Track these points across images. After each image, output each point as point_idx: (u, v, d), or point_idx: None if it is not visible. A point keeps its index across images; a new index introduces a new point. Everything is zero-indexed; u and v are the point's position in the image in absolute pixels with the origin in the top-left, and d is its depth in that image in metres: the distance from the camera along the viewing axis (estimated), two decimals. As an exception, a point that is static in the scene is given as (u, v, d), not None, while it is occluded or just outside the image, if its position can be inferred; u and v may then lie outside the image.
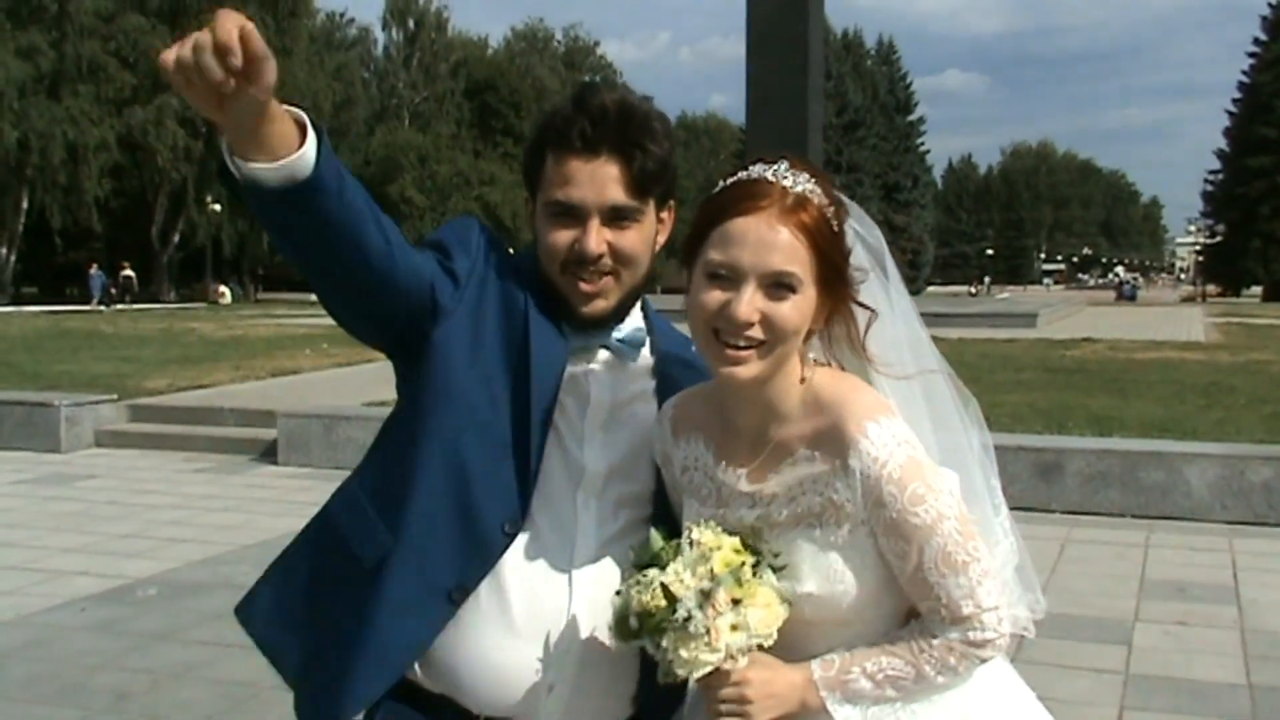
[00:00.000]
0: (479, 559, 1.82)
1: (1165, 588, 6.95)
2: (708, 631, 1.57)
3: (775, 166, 1.70)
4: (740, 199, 1.67)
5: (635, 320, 1.97)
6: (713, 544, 1.64)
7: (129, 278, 53.26)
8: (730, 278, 1.65)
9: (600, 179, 1.80)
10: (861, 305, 1.77)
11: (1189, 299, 65.52)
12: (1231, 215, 71.39)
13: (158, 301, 52.45)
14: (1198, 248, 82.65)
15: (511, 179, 75.24)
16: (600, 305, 1.87)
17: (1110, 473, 8.94)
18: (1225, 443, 9.55)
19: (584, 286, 1.84)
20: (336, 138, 68.08)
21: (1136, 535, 8.20)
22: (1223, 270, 73.88)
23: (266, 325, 27.61)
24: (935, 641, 1.71)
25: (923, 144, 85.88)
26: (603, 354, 1.93)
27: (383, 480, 1.93)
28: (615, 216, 1.82)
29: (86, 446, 12.25)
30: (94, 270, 51.45)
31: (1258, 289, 71.54)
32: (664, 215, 1.92)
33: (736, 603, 1.60)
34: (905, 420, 1.73)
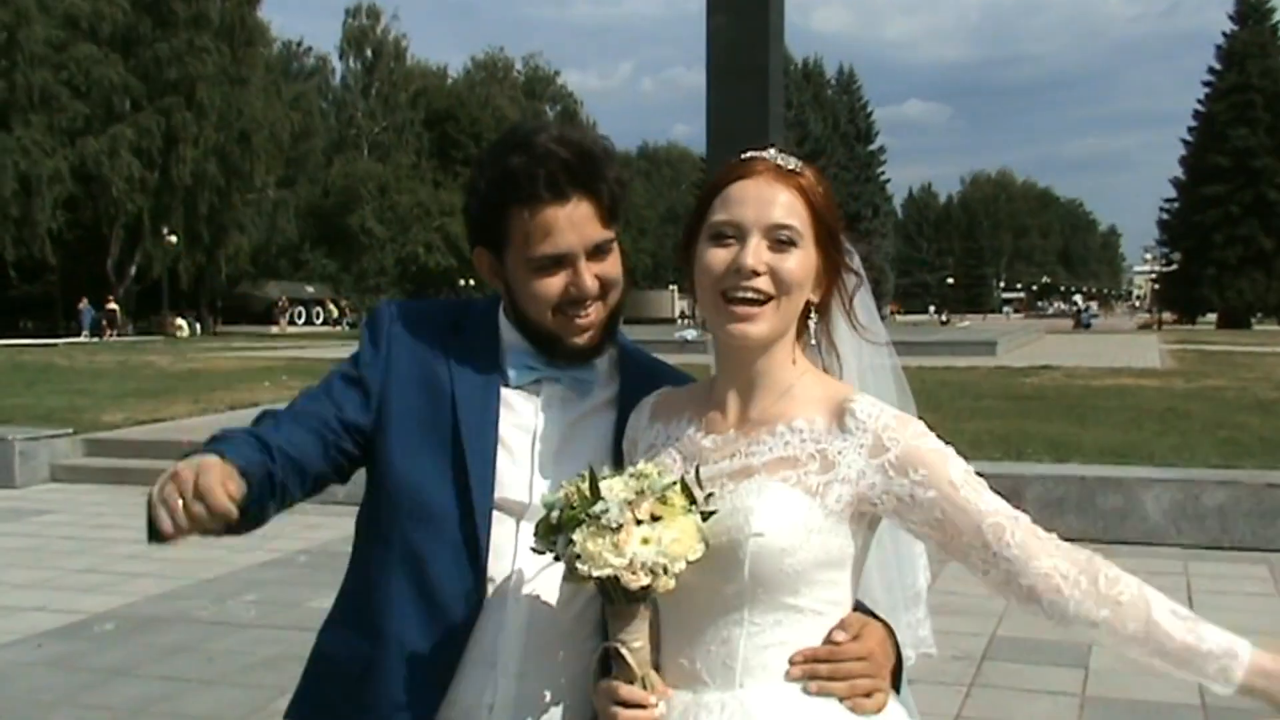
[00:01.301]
0: (451, 632, 1.86)
1: (1123, 611, 7.02)
2: (619, 529, 1.59)
3: (767, 151, 1.78)
4: (738, 169, 1.75)
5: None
6: (652, 474, 1.66)
7: (112, 311, 54.02)
8: (734, 235, 1.71)
9: (578, 222, 1.83)
10: (852, 271, 1.83)
11: (1145, 326, 66.26)
12: (1187, 243, 72.35)
13: (90, 335, 51.79)
14: (1154, 275, 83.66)
15: (472, 209, 75.25)
16: (594, 336, 1.90)
17: (1068, 498, 9.04)
18: (1181, 468, 9.68)
19: (579, 322, 1.87)
20: (294, 168, 67.72)
21: (1094, 560, 8.28)
22: (1178, 297, 74.80)
23: (225, 358, 27.36)
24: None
25: (883, 173, 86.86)
26: (554, 385, 1.95)
27: (352, 588, 1.99)
28: (596, 251, 1.86)
29: (41, 481, 12.10)
30: (84, 304, 52.88)
31: (1213, 316, 72.52)
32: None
33: (656, 520, 1.61)
34: None
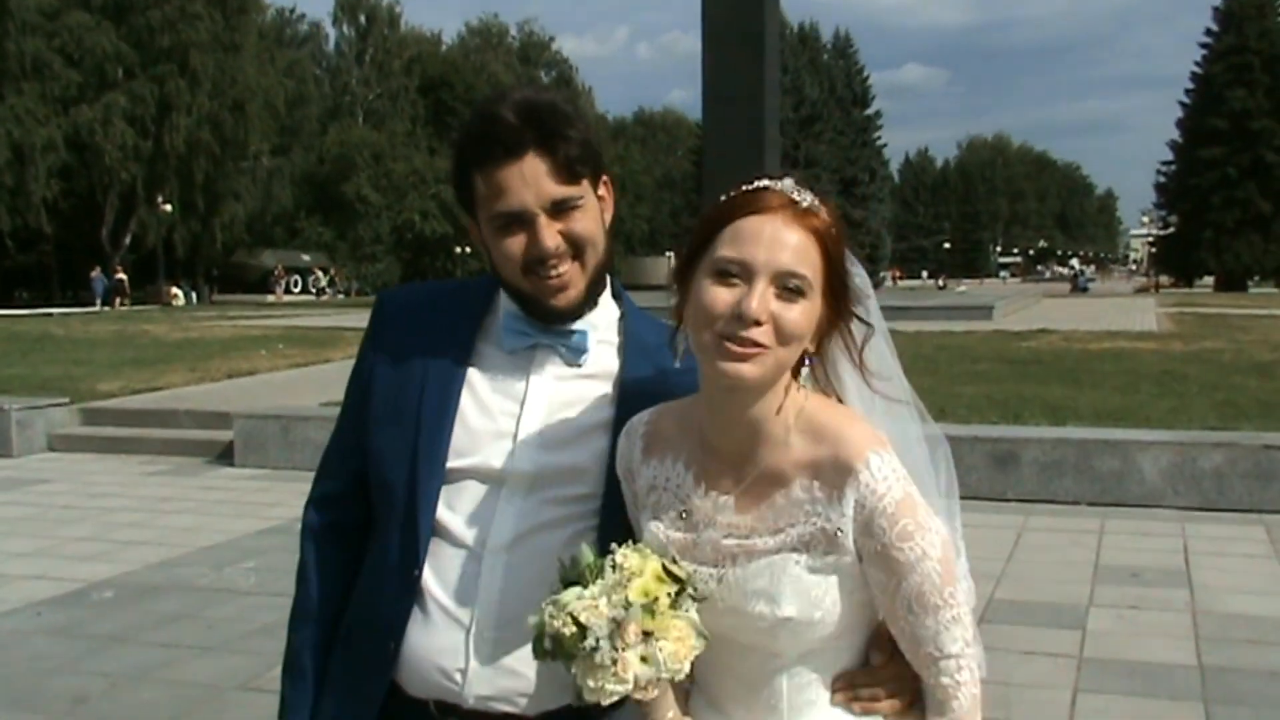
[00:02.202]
0: (397, 599, 1.92)
1: (1119, 573, 7.05)
2: (614, 663, 1.57)
3: (782, 182, 1.68)
4: (751, 202, 1.64)
5: (603, 312, 1.98)
6: (635, 569, 1.62)
7: (122, 280, 54.21)
8: (740, 275, 1.60)
9: (532, 177, 1.82)
10: (861, 320, 1.74)
11: (1143, 290, 66.20)
12: (1184, 206, 72.22)
13: (102, 304, 51.88)
14: (1151, 239, 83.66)
15: (467, 176, 74.90)
16: (572, 295, 1.89)
17: (1065, 461, 9.05)
18: (1177, 430, 9.69)
19: (551, 282, 1.86)
20: (289, 136, 67.28)
21: (1091, 522, 8.31)
22: (1176, 261, 74.73)
23: (222, 327, 27.31)
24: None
25: (879, 138, 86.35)
26: (548, 353, 1.95)
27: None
28: (559, 208, 1.84)
29: (39, 451, 12.11)
30: (96, 274, 53.32)
31: (1210, 279, 72.47)
32: (602, 193, 1.94)
33: (648, 635, 1.58)
34: (896, 453, 1.71)
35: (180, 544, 8.09)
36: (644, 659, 1.57)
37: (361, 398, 2.01)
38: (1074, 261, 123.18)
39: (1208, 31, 73.80)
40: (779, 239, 1.60)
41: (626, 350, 1.98)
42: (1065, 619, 6.16)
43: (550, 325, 1.92)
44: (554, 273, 1.86)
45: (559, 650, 1.61)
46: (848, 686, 1.74)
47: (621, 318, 2.02)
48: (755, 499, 1.71)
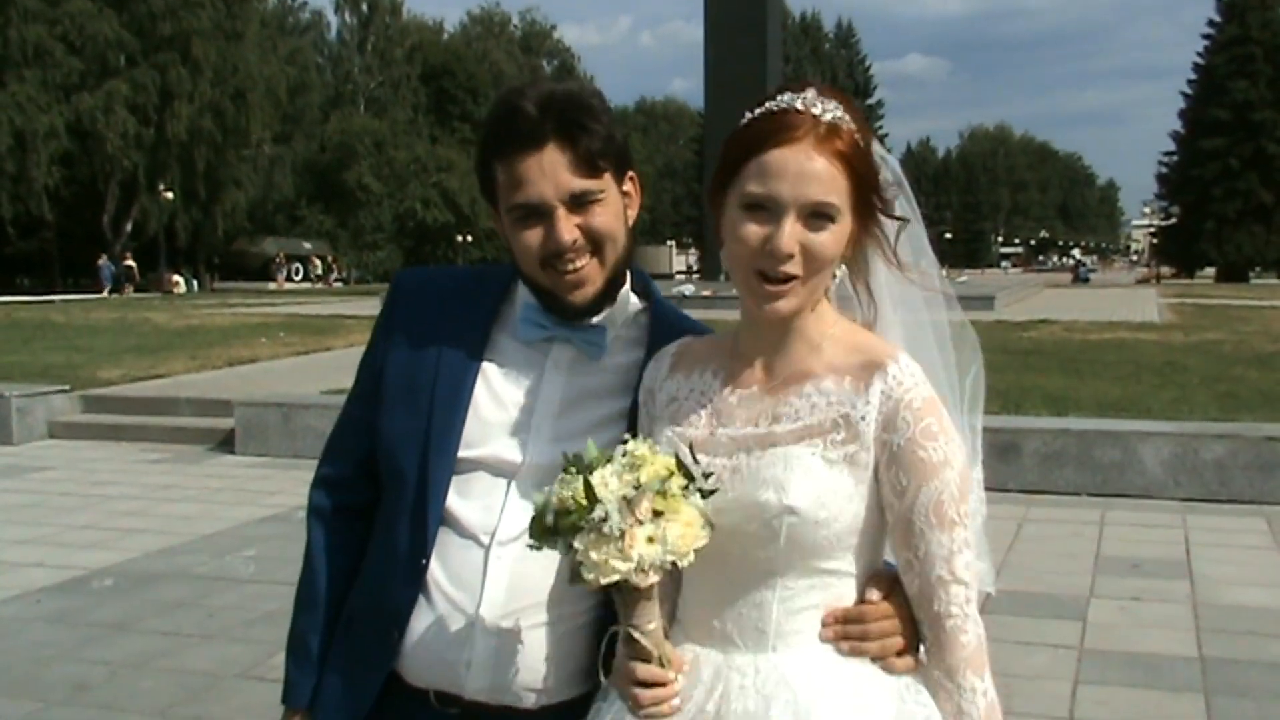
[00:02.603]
0: (403, 587, 1.90)
1: (1120, 564, 7.05)
2: (623, 535, 1.54)
3: (804, 95, 1.68)
4: (775, 130, 1.65)
5: (622, 307, 1.96)
6: (645, 456, 1.61)
7: (130, 267, 54.44)
8: (770, 209, 1.63)
9: (551, 169, 1.80)
10: (894, 217, 1.77)
11: (1144, 281, 66.16)
12: (1186, 197, 72.15)
13: (110, 291, 51.93)
14: (1152, 230, 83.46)
15: (469, 165, 74.47)
16: (589, 291, 1.87)
17: (1066, 452, 9.04)
18: (1179, 421, 9.67)
19: (568, 277, 1.85)
20: (291, 124, 67.16)
21: (1092, 513, 8.31)
22: (1177, 252, 74.70)
23: (223, 314, 27.31)
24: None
25: (881, 127, 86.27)
26: (565, 346, 1.93)
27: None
28: (578, 201, 1.82)
29: (39, 438, 12.10)
30: (103, 261, 53.15)
31: (1211, 270, 72.44)
32: (627, 188, 1.92)
33: (658, 515, 1.57)
34: (926, 342, 1.79)
35: (181, 532, 8.09)
36: (650, 539, 1.56)
37: (373, 379, 1.99)
38: (1075, 252, 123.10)
39: (1210, 22, 73.77)
40: (805, 171, 1.63)
41: (649, 342, 1.96)
42: (1066, 610, 6.16)
43: (567, 319, 1.91)
44: (571, 267, 1.84)
45: (561, 524, 1.59)
46: (837, 623, 1.71)
47: (646, 309, 2.01)
48: (782, 390, 1.72)
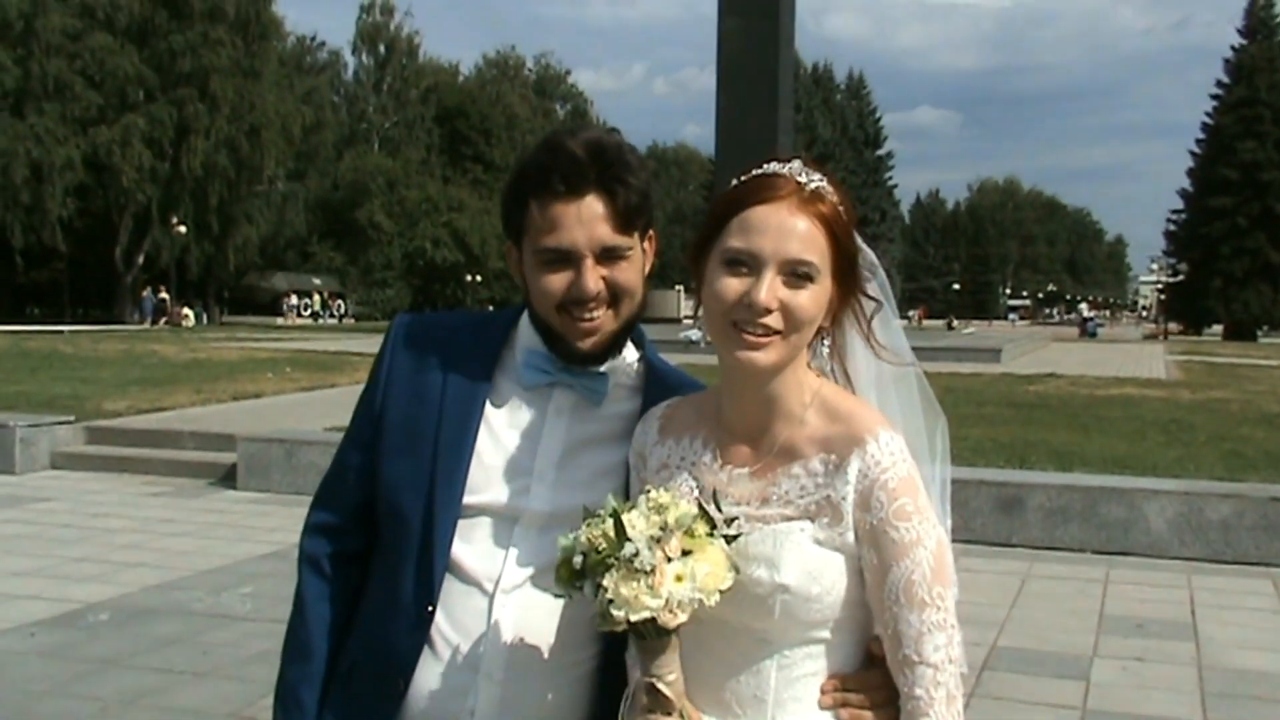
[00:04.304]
0: (409, 633, 1.88)
1: (1124, 624, 6.98)
2: (653, 571, 1.55)
3: (790, 165, 1.71)
4: (759, 189, 1.68)
5: (624, 355, 1.96)
6: (669, 502, 1.62)
7: (164, 300, 56.24)
8: (750, 265, 1.65)
9: (588, 220, 1.81)
10: (869, 296, 1.78)
11: (1151, 336, 66.14)
12: (1193, 254, 72.26)
13: (121, 323, 52.15)
14: (1160, 286, 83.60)
15: (480, 205, 75.14)
16: (600, 340, 1.88)
17: (1071, 508, 8.98)
18: (1184, 479, 9.62)
19: (582, 325, 1.85)
20: (304, 161, 67.95)
21: (1096, 571, 8.24)
22: (1184, 308, 74.68)
23: (230, 348, 27.37)
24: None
25: (891, 178, 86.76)
26: (567, 392, 1.93)
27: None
28: (608, 255, 1.84)
29: (42, 468, 12.07)
30: (146, 293, 56.02)
31: (1218, 327, 72.38)
32: (646, 245, 1.94)
33: (686, 554, 1.58)
34: (901, 417, 1.76)
35: (179, 567, 8.05)
36: (679, 578, 1.56)
37: (372, 424, 1.97)
38: (1083, 306, 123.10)
39: (1218, 83, 74.10)
40: (785, 228, 1.65)
41: (645, 392, 1.97)
42: (1069, 669, 6.09)
43: (571, 365, 1.91)
44: (588, 315, 1.85)
45: (591, 563, 1.59)
46: (837, 690, 1.70)
47: (641, 359, 2.01)
48: (771, 471, 1.72)
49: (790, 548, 1.65)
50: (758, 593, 1.64)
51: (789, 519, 1.68)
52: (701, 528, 1.60)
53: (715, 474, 1.76)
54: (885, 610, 1.65)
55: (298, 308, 67.37)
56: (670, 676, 1.64)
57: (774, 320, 1.64)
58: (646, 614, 1.55)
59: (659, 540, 1.57)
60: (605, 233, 1.82)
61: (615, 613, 1.56)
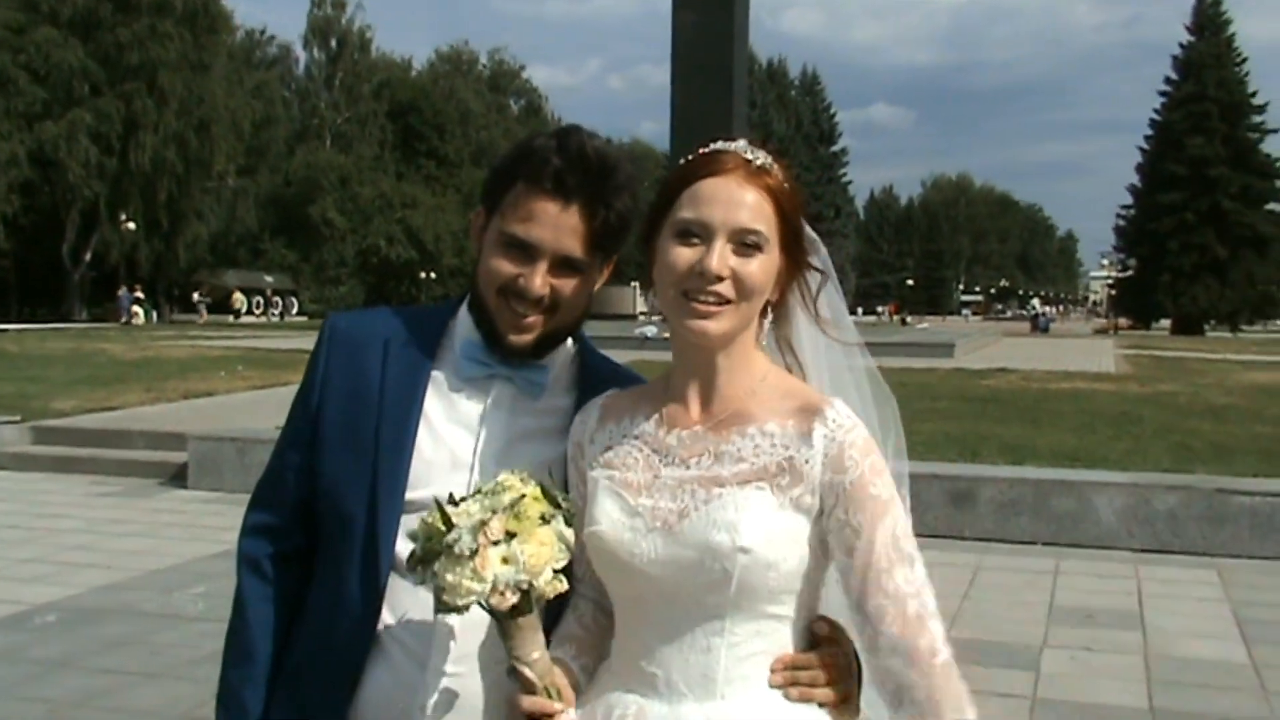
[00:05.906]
0: (355, 632, 1.87)
1: (1073, 614, 7.07)
2: (474, 555, 1.57)
3: (736, 143, 1.75)
4: (708, 164, 1.72)
5: (560, 357, 1.97)
6: (510, 484, 1.65)
7: (139, 298, 55.71)
8: (700, 234, 1.68)
9: (562, 226, 1.82)
10: (815, 268, 1.82)
11: (1101, 331, 66.95)
12: (1142, 250, 73.24)
13: (68, 321, 51.39)
14: (1110, 281, 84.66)
15: (434, 202, 74.79)
16: (526, 339, 1.88)
17: (1022, 501, 9.09)
18: (1133, 472, 9.75)
19: (515, 319, 1.86)
20: (255, 157, 67.27)
21: (1046, 562, 8.34)
22: (1134, 303, 75.66)
23: (180, 346, 27.05)
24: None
25: (845, 174, 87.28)
26: (505, 385, 1.93)
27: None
28: (565, 265, 1.85)
29: (-12, 468, 11.89)
30: (122, 292, 55.46)
31: (1167, 322, 73.45)
32: (605, 273, 1.96)
33: (511, 536, 1.60)
34: (845, 391, 1.82)
35: (129, 567, 7.95)
36: (505, 560, 1.58)
37: (311, 424, 1.96)
38: (1035, 301, 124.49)
39: (1167, 80, 75.17)
40: (735, 199, 1.69)
41: (581, 386, 1.98)
42: (1019, 659, 6.16)
43: (509, 358, 1.91)
44: (523, 311, 1.86)
45: (426, 553, 1.63)
46: (786, 669, 1.71)
47: (577, 353, 2.02)
48: (725, 429, 1.74)
49: (751, 511, 1.65)
50: (715, 563, 1.64)
51: (744, 480, 1.68)
52: (534, 510, 1.62)
53: (662, 439, 1.77)
54: (879, 574, 1.65)
55: (249, 305, 66.63)
56: (533, 656, 1.66)
57: (725, 289, 1.68)
58: (473, 598, 1.58)
59: (484, 523, 1.59)
60: (572, 245, 1.83)
61: (445, 599, 1.59)
